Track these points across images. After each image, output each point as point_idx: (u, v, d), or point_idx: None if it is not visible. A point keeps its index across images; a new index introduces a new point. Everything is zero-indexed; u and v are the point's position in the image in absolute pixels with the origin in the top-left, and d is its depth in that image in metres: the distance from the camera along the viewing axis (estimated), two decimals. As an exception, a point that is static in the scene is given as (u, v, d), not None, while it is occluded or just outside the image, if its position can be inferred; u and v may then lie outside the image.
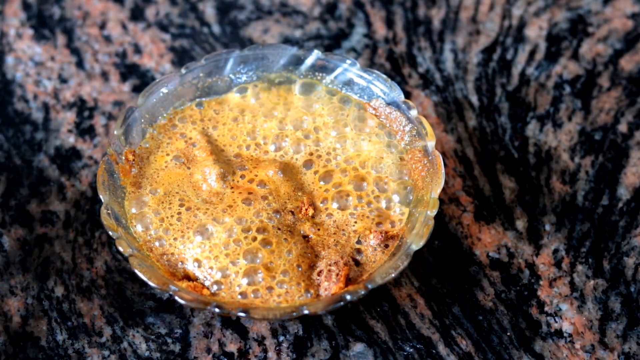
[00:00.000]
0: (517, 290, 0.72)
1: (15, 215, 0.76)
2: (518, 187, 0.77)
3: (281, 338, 0.70)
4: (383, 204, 0.71)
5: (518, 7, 0.87)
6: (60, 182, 0.77)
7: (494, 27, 0.86)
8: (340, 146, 0.74)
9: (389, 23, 0.87)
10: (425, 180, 0.71)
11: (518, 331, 0.70)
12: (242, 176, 0.72)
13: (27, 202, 0.76)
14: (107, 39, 0.86)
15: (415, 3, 0.88)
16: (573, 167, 0.78)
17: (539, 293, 0.72)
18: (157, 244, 0.69)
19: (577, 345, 0.70)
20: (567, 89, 0.83)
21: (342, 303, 0.65)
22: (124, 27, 0.87)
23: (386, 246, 0.69)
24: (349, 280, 0.68)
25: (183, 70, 0.75)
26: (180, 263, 0.69)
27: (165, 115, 0.75)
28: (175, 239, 0.69)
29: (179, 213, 0.70)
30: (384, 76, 0.75)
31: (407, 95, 0.82)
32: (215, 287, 0.68)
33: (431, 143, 0.71)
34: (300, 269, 0.68)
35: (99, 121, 0.81)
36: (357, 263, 0.69)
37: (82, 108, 0.82)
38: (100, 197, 0.69)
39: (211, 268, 0.68)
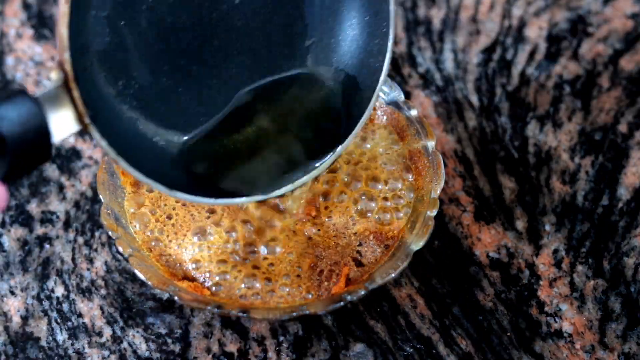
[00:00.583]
0: (517, 290, 0.72)
1: (15, 215, 0.76)
2: (518, 187, 0.77)
3: (281, 338, 0.70)
4: (384, 205, 0.71)
5: (518, 7, 0.87)
6: (60, 182, 0.77)
7: (494, 27, 0.86)
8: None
9: (389, 23, 0.87)
10: (425, 181, 0.71)
11: (518, 331, 0.70)
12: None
13: (27, 202, 0.76)
14: (107, 39, 0.86)
15: (415, 3, 0.88)
16: (573, 167, 0.78)
17: (539, 293, 0.72)
18: (153, 243, 0.69)
19: (577, 346, 0.70)
20: (567, 89, 0.83)
21: (342, 303, 0.65)
22: (124, 27, 0.87)
23: (386, 247, 0.69)
24: (349, 280, 0.68)
25: (183, 70, 0.75)
26: (178, 264, 0.69)
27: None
28: (170, 240, 0.69)
29: (177, 213, 0.70)
30: (384, 76, 0.75)
31: (407, 95, 0.82)
32: (214, 288, 0.68)
33: (431, 143, 0.71)
34: (300, 269, 0.68)
35: (99, 121, 0.81)
36: (357, 263, 0.69)
37: (82, 108, 0.82)
38: (100, 197, 0.69)
39: (210, 271, 0.68)
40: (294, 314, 0.64)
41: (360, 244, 0.70)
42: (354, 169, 0.72)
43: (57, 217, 0.76)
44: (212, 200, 0.62)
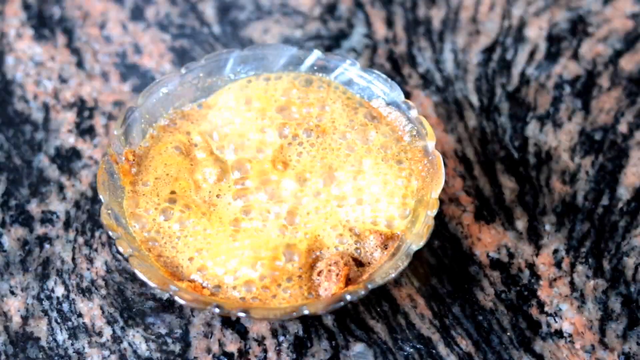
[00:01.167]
0: (517, 290, 0.72)
1: (15, 215, 0.76)
2: (518, 187, 0.77)
3: (281, 338, 0.70)
4: (383, 205, 0.71)
5: (518, 7, 0.87)
6: (60, 182, 0.77)
7: (494, 27, 0.86)
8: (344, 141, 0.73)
9: (389, 23, 0.87)
10: (425, 180, 0.71)
11: (518, 331, 0.70)
12: (242, 178, 0.72)
13: (27, 202, 0.76)
14: (107, 39, 0.86)
15: (415, 3, 0.88)
16: (573, 167, 0.78)
17: (539, 293, 0.72)
18: (150, 244, 0.69)
19: (577, 345, 0.70)
20: (567, 89, 0.83)
21: (342, 303, 0.65)
22: (124, 27, 0.87)
23: (385, 247, 0.69)
24: (349, 280, 0.68)
25: (183, 70, 0.75)
26: (176, 267, 0.69)
27: (165, 115, 0.75)
28: (165, 242, 0.69)
29: (179, 211, 0.70)
30: (384, 76, 0.75)
31: (407, 95, 0.82)
32: (214, 289, 0.68)
33: (431, 143, 0.71)
34: (300, 270, 0.68)
35: (99, 121, 0.81)
36: (358, 263, 0.69)
37: (82, 108, 0.82)
38: (100, 197, 0.69)
39: (210, 275, 0.68)
40: (294, 314, 0.64)
41: (360, 244, 0.69)
42: (353, 169, 0.72)
43: (57, 217, 0.76)
44: None
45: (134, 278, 0.73)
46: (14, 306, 0.72)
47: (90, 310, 0.71)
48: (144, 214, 0.70)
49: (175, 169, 0.72)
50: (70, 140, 0.80)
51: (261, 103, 0.75)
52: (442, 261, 0.73)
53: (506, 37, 0.86)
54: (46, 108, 0.82)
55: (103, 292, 0.72)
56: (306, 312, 0.64)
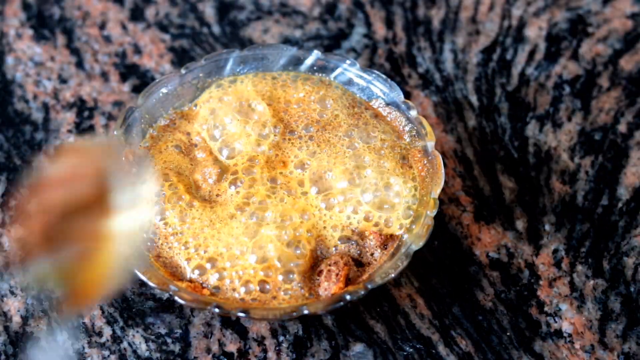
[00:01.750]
0: (517, 290, 0.72)
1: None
2: (518, 187, 0.77)
3: (281, 338, 0.70)
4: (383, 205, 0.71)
5: (518, 7, 0.87)
6: (60, 182, 0.77)
7: (494, 27, 0.86)
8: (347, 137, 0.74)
9: (389, 23, 0.87)
10: (425, 180, 0.71)
11: (518, 331, 0.70)
12: (242, 180, 0.72)
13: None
14: (107, 39, 0.86)
15: (415, 3, 0.88)
16: (573, 167, 0.78)
17: (538, 293, 0.72)
18: (149, 244, 0.69)
19: (577, 345, 0.70)
20: (567, 89, 0.83)
21: (342, 303, 0.65)
22: (124, 27, 0.87)
23: (385, 247, 0.69)
24: (348, 280, 0.68)
25: (183, 71, 0.75)
26: (175, 267, 0.69)
27: (165, 115, 0.75)
28: (162, 243, 0.69)
29: (178, 212, 0.70)
30: (384, 76, 0.75)
31: (407, 95, 0.82)
32: (214, 290, 0.68)
33: (431, 143, 0.71)
34: (300, 270, 0.68)
35: (99, 121, 0.81)
36: (358, 263, 0.69)
37: (82, 108, 0.82)
38: (100, 197, 0.69)
39: (210, 275, 0.68)
40: (294, 314, 0.64)
41: (360, 244, 0.69)
42: (353, 168, 0.72)
43: (57, 217, 0.76)
44: None
45: (134, 278, 0.72)
46: (14, 306, 0.72)
47: (90, 310, 0.71)
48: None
49: (175, 168, 0.72)
50: (70, 140, 0.80)
51: (259, 100, 0.75)
52: (442, 261, 0.73)
53: (506, 37, 0.86)
54: (46, 108, 0.82)
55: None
56: (306, 312, 0.64)
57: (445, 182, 0.76)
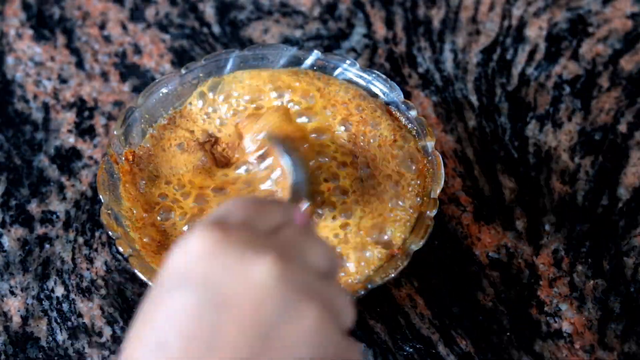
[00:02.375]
0: (517, 290, 0.72)
1: (15, 215, 0.76)
2: (518, 187, 0.77)
3: (281, 338, 0.70)
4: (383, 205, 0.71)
5: (518, 7, 0.87)
6: (60, 182, 0.77)
7: (494, 27, 0.86)
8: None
9: (389, 23, 0.87)
10: (425, 181, 0.71)
11: (518, 331, 0.70)
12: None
13: (27, 202, 0.76)
14: (107, 39, 0.86)
15: (415, 3, 0.88)
16: (573, 167, 0.78)
17: (538, 293, 0.72)
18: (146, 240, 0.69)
19: (577, 345, 0.70)
20: (567, 89, 0.83)
21: (342, 303, 0.65)
22: (124, 27, 0.87)
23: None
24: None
25: (183, 71, 0.75)
26: None
27: (165, 115, 0.75)
28: (160, 242, 0.69)
29: (179, 211, 0.70)
30: (384, 76, 0.75)
31: (407, 95, 0.82)
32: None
33: (431, 143, 0.71)
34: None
35: (99, 121, 0.81)
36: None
37: (82, 108, 0.82)
38: (100, 197, 0.69)
39: None
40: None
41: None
42: (353, 170, 0.72)
43: (57, 217, 0.76)
44: None
45: (134, 278, 0.73)
46: (14, 306, 0.72)
47: (90, 310, 0.71)
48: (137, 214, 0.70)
49: (175, 168, 0.72)
50: (70, 140, 0.80)
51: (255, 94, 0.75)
52: (442, 261, 0.73)
53: (506, 37, 0.86)
54: (46, 108, 0.82)
55: (103, 292, 0.72)
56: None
57: (445, 182, 0.76)
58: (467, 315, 0.71)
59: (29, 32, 0.86)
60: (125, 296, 0.72)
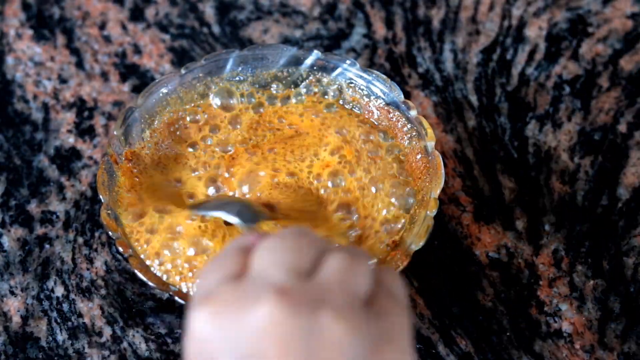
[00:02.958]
0: (517, 290, 0.72)
1: (15, 215, 0.76)
2: (518, 187, 0.77)
3: (281, 338, 0.70)
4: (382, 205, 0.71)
5: (518, 7, 0.87)
6: (60, 182, 0.77)
7: (494, 27, 0.86)
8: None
9: (389, 23, 0.87)
10: (425, 181, 0.71)
11: (518, 331, 0.70)
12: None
13: (27, 202, 0.76)
14: (107, 39, 0.86)
15: (415, 3, 0.88)
16: (573, 167, 0.78)
17: (538, 293, 0.72)
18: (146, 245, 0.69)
19: (577, 345, 0.70)
20: (567, 89, 0.83)
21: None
22: (124, 27, 0.87)
23: (386, 246, 0.69)
24: None
25: (183, 71, 0.75)
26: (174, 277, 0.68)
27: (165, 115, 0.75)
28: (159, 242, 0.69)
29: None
30: (384, 76, 0.75)
31: (407, 95, 0.82)
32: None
33: (431, 143, 0.71)
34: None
35: (99, 121, 0.81)
36: None
37: (82, 108, 0.82)
38: (100, 197, 0.69)
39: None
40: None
41: (360, 243, 0.69)
42: (352, 170, 0.72)
43: (57, 217, 0.76)
44: None
45: (134, 278, 0.73)
46: (14, 306, 0.72)
47: (90, 310, 0.71)
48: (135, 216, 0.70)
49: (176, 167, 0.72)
50: (70, 140, 0.80)
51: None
52: (442, 261, 0.73)
53: (506, 37, 0.86)
54: (46, 108, 0.82)
55: (103, 292, 0.72)
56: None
57: (445, 182, 0.76)
58: (467, 315, 0.71)
59: (29, 32, 0.86)
60: (125, 296, 0.72)
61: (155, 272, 0.67)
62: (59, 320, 0.71)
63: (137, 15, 0.87)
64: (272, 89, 0.76)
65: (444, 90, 0.83)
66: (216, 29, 0.87)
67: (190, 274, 0.67)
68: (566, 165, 0.78)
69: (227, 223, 0.68)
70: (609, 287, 0.72)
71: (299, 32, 0.86)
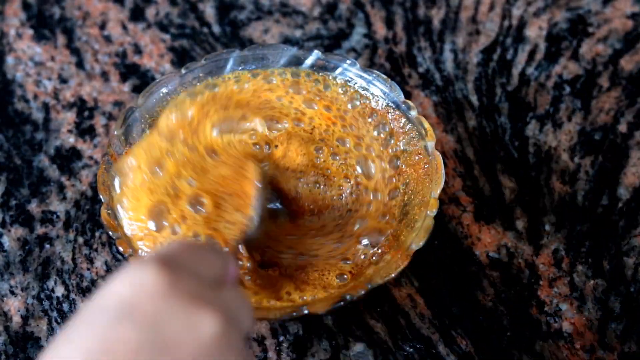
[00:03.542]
0: (517, 290, 0.72)
1: (15, 215, 0.76)
2: (518, 187, 0.77)
3: (281, 338, 0.70)
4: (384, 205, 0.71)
5: (518, 7, 0.87)
6: (60, 182, 0.77)
7: (494, 27, 0.86)
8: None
9: (389, 23, 0.87)
10: (425, 180, 0.71)
11: (518, 331, 0.70)
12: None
13: (27, 202, 0.76)
14: (107, 39, 0.86)
15: (415, 3, 0.88)
16: (573, 167, 0.78)
17: (538, 293, 0.72)
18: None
19: (577, 345, 0.70)
20: (567, 89, 0.83)
21: (342, 303, 0.65)
22: (124, 27, 0.87)
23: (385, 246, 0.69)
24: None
25: (183, 70, 0.75)
26: None
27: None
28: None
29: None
30: (384, 76, 0.75)
31: (407, 95, 0.82)
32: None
33: (431, 143, 0.71)
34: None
35: (99, 121, 0.81)
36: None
37: (82, 108, 0.82)
38: (100, 197, 0.69)
39: None
40: (294, 313, 0.64)
41: (360, 243, 0.70)
42: (352, 170, 0.72)
43: (57, 217, 0.76)
44: None
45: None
46: (14, 306, 0.72)
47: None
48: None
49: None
50: (70, 140, 0.80)
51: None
52: (442, 261, 0.73)
53: (506, 37, 0.86)
54: (46, 108, 0.82)
55: (103, 292, 0.72)
56: (306, 312, 0.64)
57: (445, 182, 0.76)
58: (467, 315, 0.71)
59: (29, 32, 0.86)
60: (126, 296, 0.72)
61: None
62: (59, 320, 0.71)
63: (137, 15, 0.87)
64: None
65: (444, 90, 0.83)
66: (216, 29, 0.87)
67: None
68: (566, 165, 0.78)
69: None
70: (609, 287, 0.72)
71: (300, 32, 0.86)
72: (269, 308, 0.66)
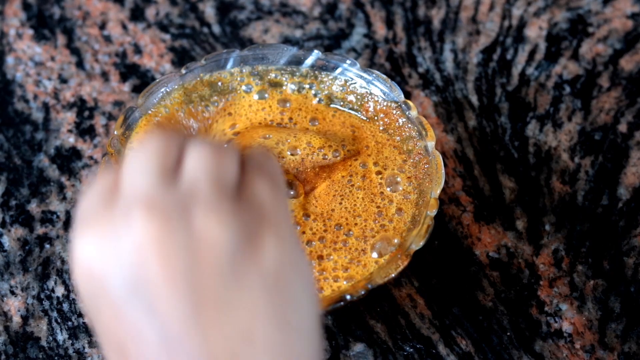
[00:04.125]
0: (517, 290, 0.72)
1: (15, 215, 0.76)
2: (518, 187, 0.77)
3: (281, 338, 0.70)
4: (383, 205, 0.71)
5: (518, 7, 0.87)
6: (60, 182, 0.77)
7: (494, 27, 0.86)
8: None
9: (389, 23, 0.87)
10: (425, 180, 0.71)
11: (518, 331, 0.70)
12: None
13: (27, 202, 0.76)
14: (107, 39, 0.86)
15: (415, 3, 0.88)
16: (573, 167, 0.78)
17: (538, 293, 0.72)
18: None
19: (577, 345, 0.70)
20: (567, 89, 0.83)
21: (342, 303, 0.65)
22: (124, 27, 0.87)
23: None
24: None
25: (183, 70, 0.75)
26: None
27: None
28: None
29: None
30: (384, 76, 0.75)
31: (407, 95, 0.82)
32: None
33: (431, 143, 0.71)
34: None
35: (99, 121, 0.81)
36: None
37: (82, 108, 0.82)
38: (101, 197, 0.69)
39: None
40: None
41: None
42: (352, 170, 0.72)
43: (57, 217, 0.76)
44: None
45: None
46: (14, 306, 0.72)
47: (91, 310, 0.71)
48: None
49: None
50: (70, 140, 0.80)
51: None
52: (442, 261, 0.73)
53: (506, 37, 0.86)
54: (46, 108, 0.82)
55: (103, 292, 0.72)
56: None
57: (445, 182, 0.76)
58: (467, 315, 0.71)
59: (29, 32, 0.86)
60: (126, 296, 0.72)
61: None
62: (59, 320, 0.71)
63: (137, 15, 0.87)
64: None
65: (444, 90, 0.83)
66: (216, 29, 0.87)
67: None
68: (566, 165, 0.78)
69: None
70: (609, 287, 0.72)
71: (300, 32, 0.86)
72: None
